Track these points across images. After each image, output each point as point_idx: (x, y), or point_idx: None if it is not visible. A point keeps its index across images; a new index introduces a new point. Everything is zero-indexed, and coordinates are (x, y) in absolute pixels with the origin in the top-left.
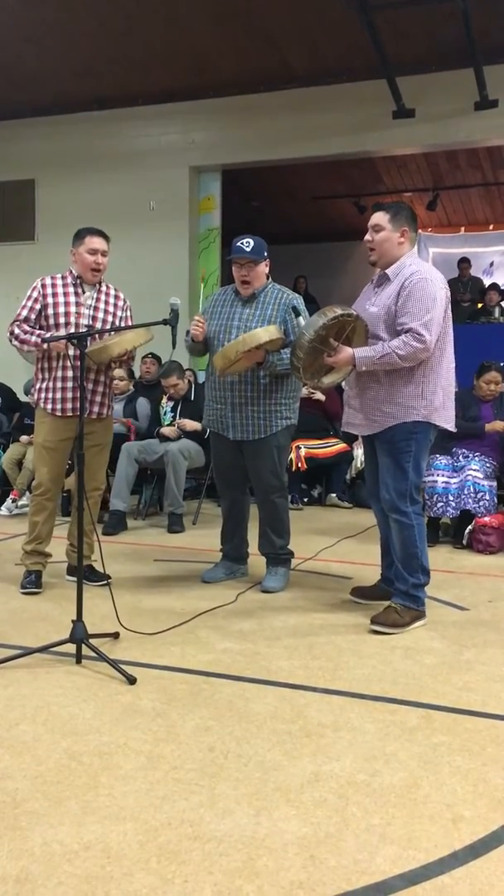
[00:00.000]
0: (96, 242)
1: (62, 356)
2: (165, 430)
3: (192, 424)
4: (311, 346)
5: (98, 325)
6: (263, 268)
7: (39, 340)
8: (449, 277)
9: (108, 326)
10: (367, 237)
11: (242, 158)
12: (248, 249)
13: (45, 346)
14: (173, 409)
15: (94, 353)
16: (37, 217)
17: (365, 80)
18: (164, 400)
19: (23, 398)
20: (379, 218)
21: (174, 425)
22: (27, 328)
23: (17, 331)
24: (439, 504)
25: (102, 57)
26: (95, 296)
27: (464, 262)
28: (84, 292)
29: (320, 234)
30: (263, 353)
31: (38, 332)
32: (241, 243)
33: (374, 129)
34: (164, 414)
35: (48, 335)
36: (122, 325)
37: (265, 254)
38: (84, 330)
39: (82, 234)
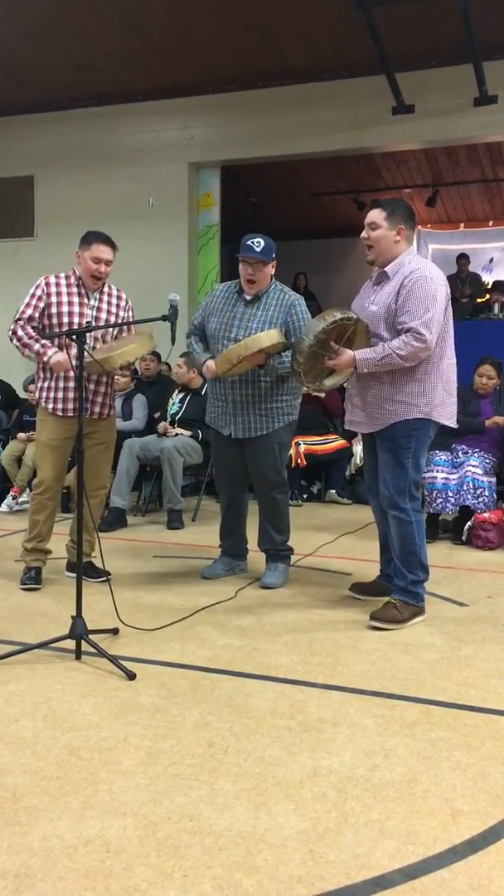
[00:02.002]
0: (102, 251)
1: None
2: (160, 428)
3: (183, 433)
4: (311, 351)
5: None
6: (270, 269)
7: (42, 351)
8: (448, 274)
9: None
10: (364, 234)
11: (241, 155)
12: (259, 250)
13: (47, 359)
14: (181, 402)
15: (98, 364)
16: (36, 213)
17: (364, 77)
18: (175, 392)
19: (22, 395)
20: (375, 215)
21: (173, 424)
22: (31, 332)
23: (20, 332)
24: (439, 500)
25: (101, 53)
26: (98, 296)
27: (462, 259)
28: (87, 293)
29: (320, 230)
30: (264, 356)
31: (42, 341)
32: (252, 242)
33: (373, 125)
34: (172, 405)
35: (51, 352)
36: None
37: (273, 255)
38: (85, 327)
39: (90, 240)
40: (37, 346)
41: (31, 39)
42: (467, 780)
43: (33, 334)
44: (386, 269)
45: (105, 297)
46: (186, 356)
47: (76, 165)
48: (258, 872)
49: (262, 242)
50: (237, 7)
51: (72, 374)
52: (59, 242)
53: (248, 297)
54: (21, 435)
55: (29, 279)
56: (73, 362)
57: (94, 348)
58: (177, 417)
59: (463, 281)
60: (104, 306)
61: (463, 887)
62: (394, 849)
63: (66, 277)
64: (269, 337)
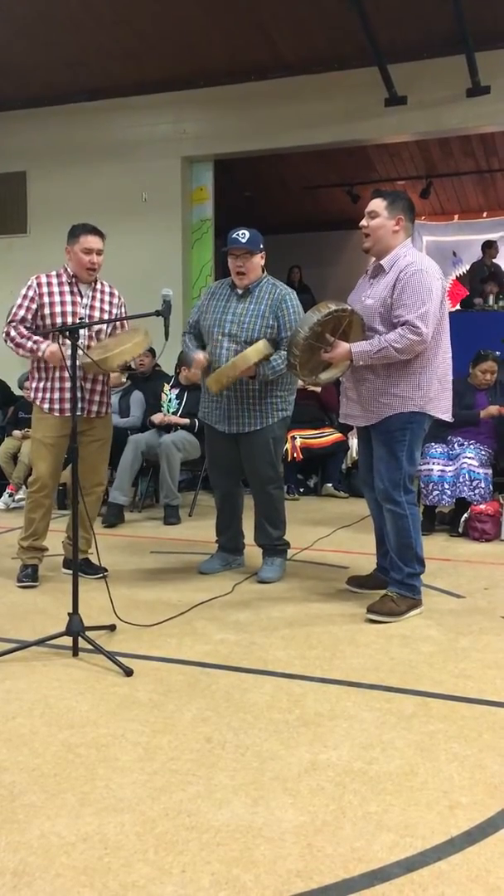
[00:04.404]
0: (92, 241)
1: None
2: (154, 418)
3: (179, 421)
4: (306, 343)
5: None
6: (259, 259)
7: (35, 347)
8: (443, 265)
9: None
10: (363, 222)
11: (234, 148)
12: (244, 240)
13: (41, 354)
14: (178, 397)
15: (93, 364)
16: (28, 209)
17: (356, 68)
18: (168, 387)
19: (17, 392)
20: (376, 204)
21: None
22: (24, 331)
23: (13, 333)
24: (435, 492)
25: (93, 47)
26: (91, 294)
27: (489, 246)
28: (79, 291)
29: (314, 223)
30: (254, 368)
31: (35, 337)
32: (237, 234)
33: (366, 117)
34: (169, 401)
35: (44, 346)
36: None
37: (261, 246)
38: (78, 323)
39: (77, 232)
40: (30, 344)
41: (23, 35)
42: (465, 771)
43: (26, 333)
44: (382, 262)
45: (98, 295)
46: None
47: (68, 161)
48: (256, 867)
49: (248, 233)
50: (229, 0)
51: (67, 372)
52: (52, 239)
53: (240, 291)
54: (16, 432)
55: (22, 276)
56: (68, 361)
57: (88, 347)
58: (177, 414)
59: (488, 268)
60: (97, 304)
61: (461, 879)
62: (392, 841)
63: (58, 276)
64: (257, 352)
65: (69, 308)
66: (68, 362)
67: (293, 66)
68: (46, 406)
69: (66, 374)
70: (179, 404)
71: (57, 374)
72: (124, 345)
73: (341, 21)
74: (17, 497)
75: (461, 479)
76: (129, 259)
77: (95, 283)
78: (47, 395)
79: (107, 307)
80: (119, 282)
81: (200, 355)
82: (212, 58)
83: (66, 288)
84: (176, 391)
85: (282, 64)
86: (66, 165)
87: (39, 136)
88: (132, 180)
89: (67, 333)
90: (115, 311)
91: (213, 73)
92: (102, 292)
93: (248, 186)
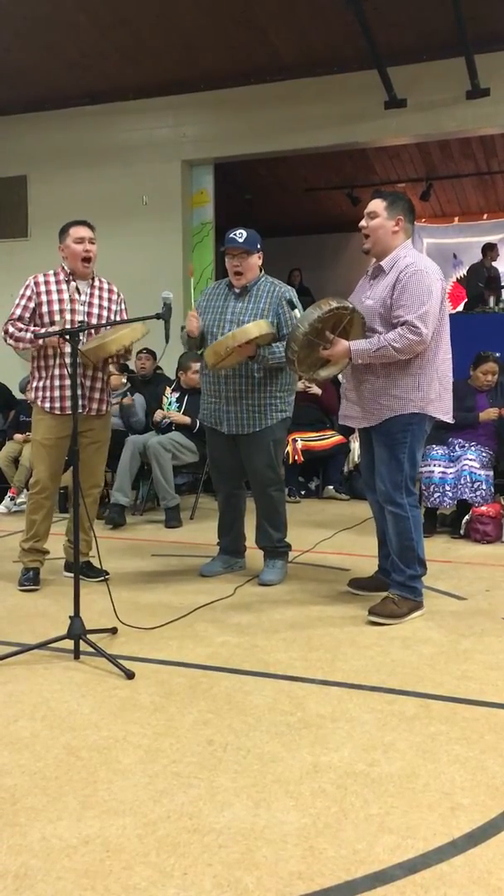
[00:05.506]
0: (81, 231)
1: (58, 353)
2: (155, 416)
3: (180, 418)
4: (305, 339)
5: (93, 320)
6: (256, 259)
7: (34, 337)
8: (443, 267)
9: (102, 321)
10: (362, 223)
11: (235, 151)
12: (241, 240)
13: (41, 342)
14: (178, 401)
15: (91, 351)
16: (29, 213)
17: (356, 71)
18: (169, 391)
19: (19, 396)
20: (375, 205)
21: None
22: (21, 326)
23: (11, 329)
24: (436, 494)
25: (92, 51)
26: (89, 291)
27: (490, 248)
28: (77, 288)
29: (314, 226)
30: (254, 347)
31: (32, 328)
32: (235, 234)
33: (365, 119)
34: (170, 405)
35: (42, 331)
36: (118, 318)
37: (258, 246)
38: (78, 327)
39: (66, 228)
40: (28, 335)
41: (22, 38)
42: (466, 773)
43: (23, 326)
44: (382, 263)
45: (96, 292)
46: (183, 358)
47: (69, 165)
48: (258, 869)
49: (245, 233)
50: (228, 3)
51: (67, 371)
52: (53, 243)
53: (238, 290)
54: (17, 436)
55: (23, 280)
56: (68, 359)
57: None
58: None
59: (487, 270)
60: (95, 301)
61: (463, 881)
62: (393, 843)
63: (55, 274)
64: (258, 327)
65: (67, 306)
66: (68, 360)
67: (293, 69)
68: (47, 405)
69: (66, 373)
70: (179, 408)
71: (56, 373)
72: (120, 331)
73: (340, 24)
74: (18, 501)
75: (462, 481)
76: (129, 262)
77: (94, 280)
78: (47, 394)
79: (106, 304)
80: (120, 284)
81: (194, 321)
82: (212, 61)
83: (64, 286)
84: (177, 394)
85: (281, 67)
86: (66, 169)
87: (40, 139)
88: (133, 184)
89: (68, 336)
90: (114, 307)
91: (213, 77)
92: (101, 289)
93: (249, 189)
